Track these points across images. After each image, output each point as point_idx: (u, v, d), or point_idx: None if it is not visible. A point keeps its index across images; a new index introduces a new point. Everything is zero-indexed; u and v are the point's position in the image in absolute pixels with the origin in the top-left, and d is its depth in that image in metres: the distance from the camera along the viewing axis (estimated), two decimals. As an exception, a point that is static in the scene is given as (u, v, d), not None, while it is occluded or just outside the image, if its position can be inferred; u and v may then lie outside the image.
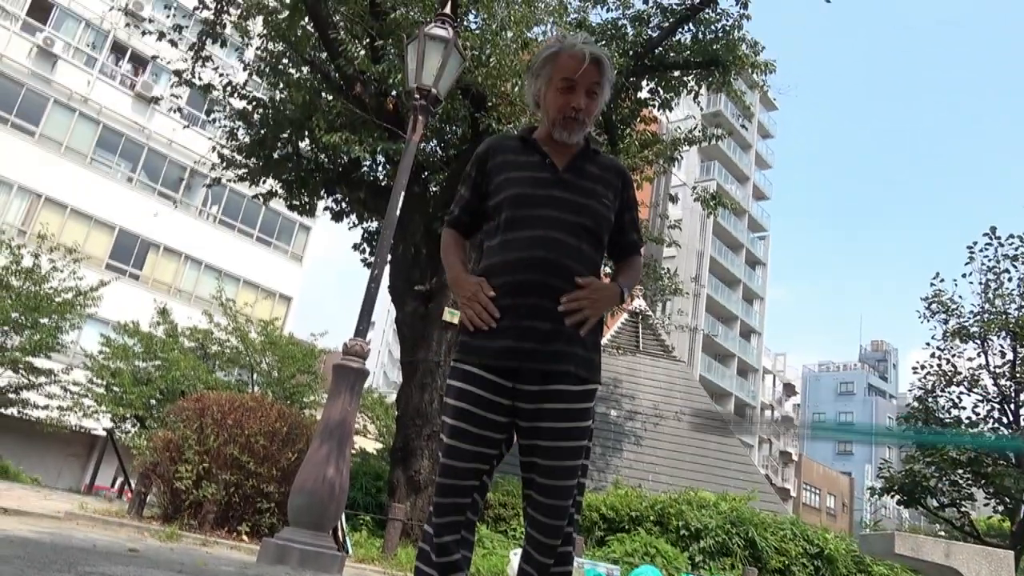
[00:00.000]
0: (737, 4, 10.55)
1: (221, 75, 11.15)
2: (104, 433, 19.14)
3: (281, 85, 10.98)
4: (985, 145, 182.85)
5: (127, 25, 25.20)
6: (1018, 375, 16.01)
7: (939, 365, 17.24)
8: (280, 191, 11.75)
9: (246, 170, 11.38)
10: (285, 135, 10.87)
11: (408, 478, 9.11)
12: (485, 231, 2.27)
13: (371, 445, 19.97)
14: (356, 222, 12.49)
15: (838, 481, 56.27)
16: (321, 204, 12.51)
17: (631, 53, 10.38)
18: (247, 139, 11.35)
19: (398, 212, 6.14)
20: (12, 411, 17.65)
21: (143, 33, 12.02)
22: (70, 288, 17.40)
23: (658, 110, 11.68)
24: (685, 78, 11.34)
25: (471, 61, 8.21)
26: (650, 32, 10.73)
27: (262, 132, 10.94)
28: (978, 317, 16.80)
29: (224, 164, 11.53)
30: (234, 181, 12.13)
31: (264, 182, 11.61)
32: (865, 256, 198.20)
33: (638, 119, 11.61)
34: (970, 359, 17.10)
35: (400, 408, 9.80)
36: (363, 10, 9.47)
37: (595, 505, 10.53)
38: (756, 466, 19.69)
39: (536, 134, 2.31)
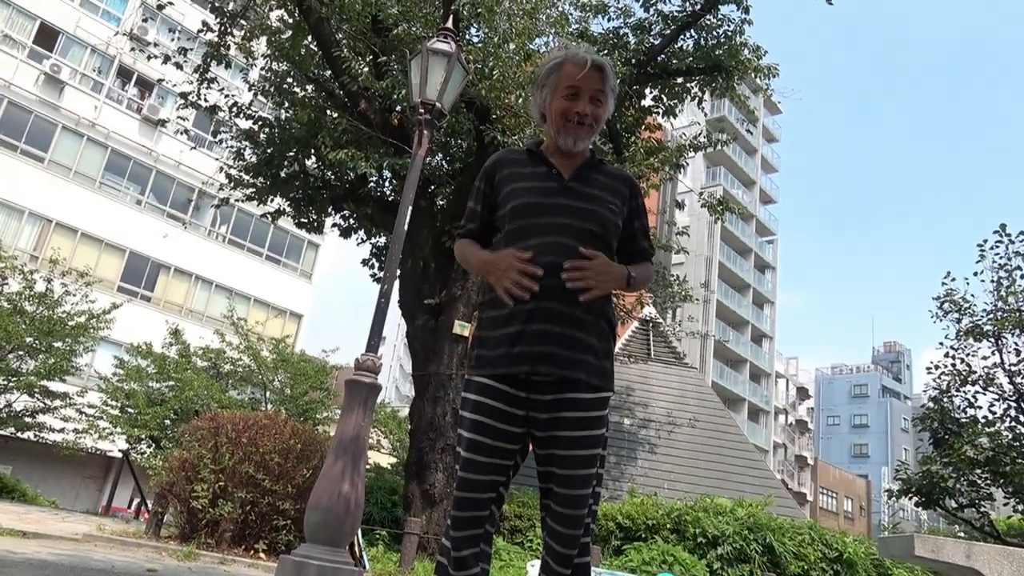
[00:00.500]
0: (738, 9, 10.59)
1: (227, 96, 11.25)
2: (120, 454, 19.23)
3: (286, 104, 11.08)
4: (996, 144, 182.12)
5: (132, 49, 25.35)
6: (1034, 372, 15.85)
7: (953, 365, 17.08)
8: (288, 209, 11.82)
9: (254, 189, 11.46)
10: (292, 153, 10.96)
11: (423, 492, 9.10)
12: (494, 243, 2.29)
13: (385, 459, 19.95)
14: (364, 238, 12.54)
15: (855, 484, 55.83)
16: (329, 221, 12.58)
17: (634, 61, 10.42)
18: (254, 159, 11.44)
19: (406, 227, 6.16)
20: (29, 435, 17.75)
21: (148, 57, 12.14)
22: (83, 312, 17.53)
23: (662, 117, 11.71)
24: (688, 84, 11.38)
25: (474, 74, 8.26)
26: (652, 40, 10.77)
27: (269, 151, 11.03)
28: (991, 315, 16.66)
29: (232, 184, 11.61)
30: (242, 201, 12.22)
31: (272, 201, 11.69)
32: (875, 257, 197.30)
33: (642, 127, 11.64)
34: (984, 358, 16.93)
35: (413, 422, 9.81)
36: (365, 27, 9.55)
37: (611, 514, 10.48)
38: (772, 471, 19.57)
39: (543, 146, 2.34)
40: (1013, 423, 16.30)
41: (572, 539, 2.05)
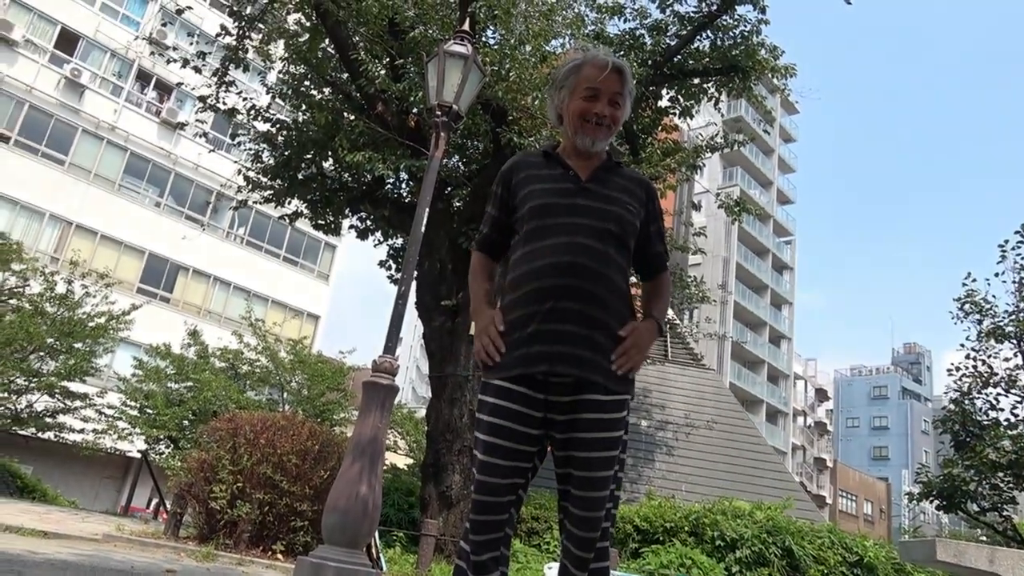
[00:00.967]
0: (755, 9, 10.52)
1: (245, 99, 11.32)
2: (139, 455, 19.39)
3: (304, 107, 11.13)
4: (1020, 141, 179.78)
5: (151, 53, 25.71)
6: (1058, 374, 15.63)
7: (974, 366, 16.88)
8: (305, 211, 11.87)
9: (271, 191, 11.53)
10: (309, 156, 11.01)
11: (440, 493, 9.10)
12: (512, 245, 2.28)
13: (402, 461, 20.00)
14: (381, 239, 12.58)
15: (875, 487, 55.31)
16: (346, 223, 12.62)
17: (650, 63, 10.39)
18: (272, 161, 11.51)
19: (423, 228, 6.17)
20: (49, 435, 17.94)
21: (167, 61, 12.25)
22: (103, 313, 17.71)
23: (679, 118, 11.66)
24: (705, 85, 11.32)
25: (491, 76, 8.26)
26: (668, 41, 10.73)
27: (286, 154, 11.08)
28: (1013, 316, 16.45)
29: (250, 186, 11.69)
30: (260, 203, 12.29)
31: (289, 203, 11.75)
32: (895, 257, 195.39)
33: (659, 128, 11.60)
34: (1007, 359, 16.72)
35: (430, 423, 9.82)
36: (382, 30, 9.58)
37: (629, 517, 10.44)
38: (791, 473, 19.42)
39: (559, 149, 2.33)
40: (1036, 426, 16.07)
41: (589, 541, 2.04)
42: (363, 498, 5.23)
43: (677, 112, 11.48)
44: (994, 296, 17.21)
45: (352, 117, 10.38)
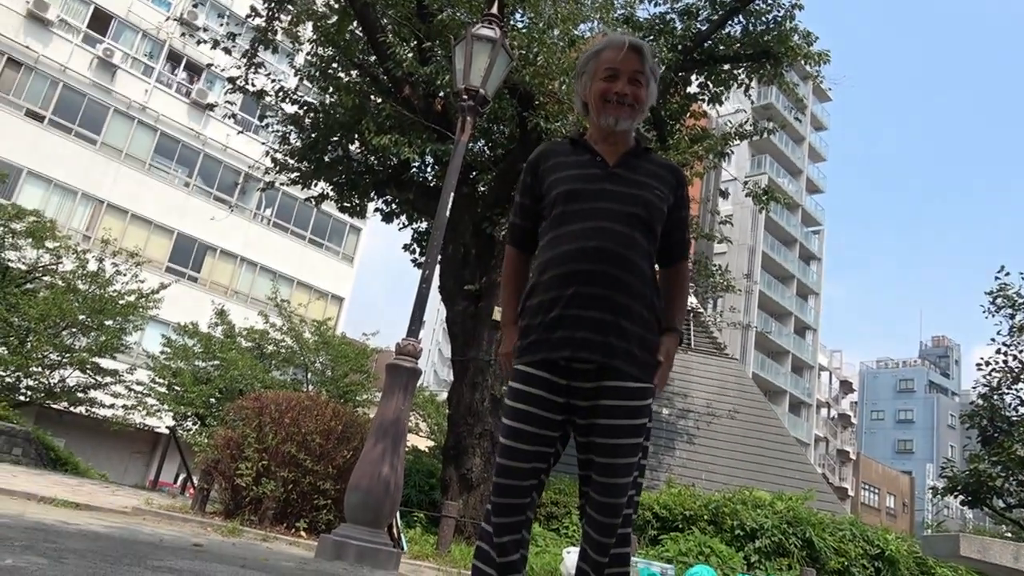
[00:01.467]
0: (788, -7, 10.34)
1: (273, 81, 11.38)
2: (167, 431, 19.75)
3: (331, 89, 11.15)
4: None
5: (182, 34, 25.93)
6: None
7: (1005, 361, 16.66)
8: (331, 193, 11.93)
9: (298, 173, 11.60)
10: (336, 138, 11.05)
11: (460, 476, 9.17)
12: (540, 232, 2.29)
13: (423, 443, 20.17)
14: (406, 223, 12.61)
15: (898, 480, 54.77)
16: (371, 206, 12.67)
17: (680, 48, 10.26)
18: (299, 143, 11.57)
19: (448, 212, 6.19)
20: (81, 409, 18.33)
21: (198, 42, 12.35)
22: (132, 291, 18.01)
23: (708, 104, 11.53)
24: (735, 71, 11.18)
25: (518, 60, 8.22)
26: (699, 25, 10.59)
27: (313, 136, 11.13)
28: (1047, 311, 16.17)
29: (277, 168, 11.76)
30: (287, 184, 12.38)
31: (316, 185, 11.81)
32: (925, 249, 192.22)
33: (687, 114, 11.47)
34: (1039, 355, 16.47)
35: (452, 407, 9.88)
36: (411, 13, 9.56)
37: (648, 504, 10.45)
38: (813, 465, 19.30)
39: (587, 136, 2.34)
40: (1066, 423, 15.82)
41: (609, 527, 2.05)
42: (385, 478, 5.30)
43: (706, 98, 11.34)
44: (1028, 290, 16.90)
45: (379, 100, 10.38)
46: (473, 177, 10.51)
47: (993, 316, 17.02)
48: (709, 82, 11.21)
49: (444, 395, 15.41)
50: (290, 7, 10.90)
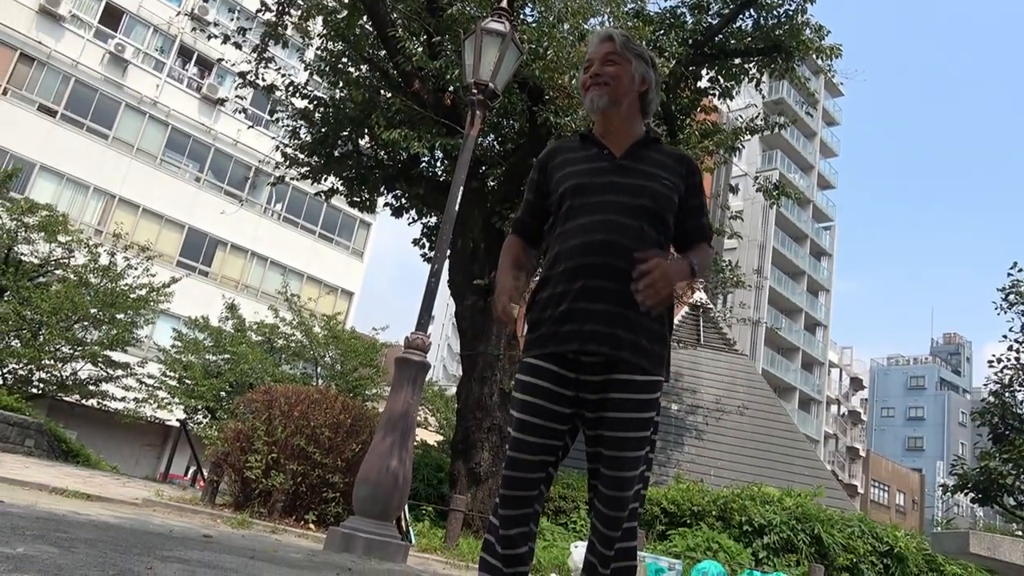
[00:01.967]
0: (801, -13, 10.27)
1: (283, 76, 11.40)
2: (177, 424, 19.88)
3: (341, 84, 11.17)
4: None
5: (193, 30, 25.92)
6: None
7: (1017, 359, 16.55)
8: (341, 188, 11.96)
9: (308, 168, 11.62)
10: (345, 133, 11.06)
11: (469, 470, 9.20)
12: (548, 228, 2.29)
13: (432, 437, 20.23)
14: (416, 217, 12.62)
15: (908, 478, 54.55)
16: (381, 200, 12.69)
17: (690, 42, 10.22)
18: (309, 138, 11.59)
19: (457, 207, 6.19)
20: (93, 402, 18.47)
21: (208, 37, 12.37)
22: (144, 285, 18.12)
23: (718, 99, 11.49)
24: (746, 65, 11.12)
25: (528, 54, 8.21)
26: (710, 19, 10.54)
27: (323, 130, 11.15)
28: (1060, 308, 16.04)
29: (287, 163, 11.79)
30: (297, 179, 12.40)
31: (326, 179, 11.83)
32: (937, 246, 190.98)
33: (698, 109, 11.43)
34: (1052, 352, 16.35)
35: (460, 401, 9.90)
36: (420, 7, 9.56)
37: (656, 499, 10.45)
38: (822, 461, 19.24)
39: (595, 131, 2.35)
40: (1079, 421, 15.70)
41: (616, 521, 2.05)
42: (394, 471, 5.32)
43: (717, 93, 11.30)
44: (1041, 287, 16.77)
45: (388, 95, 10.39)
46: (483, 172, 10.51)
47: (1005, 313, 16.92)
48: (720, 76, 11.16)
49: (453, 390, 15.46)
50: (300, 2, 10.92)
